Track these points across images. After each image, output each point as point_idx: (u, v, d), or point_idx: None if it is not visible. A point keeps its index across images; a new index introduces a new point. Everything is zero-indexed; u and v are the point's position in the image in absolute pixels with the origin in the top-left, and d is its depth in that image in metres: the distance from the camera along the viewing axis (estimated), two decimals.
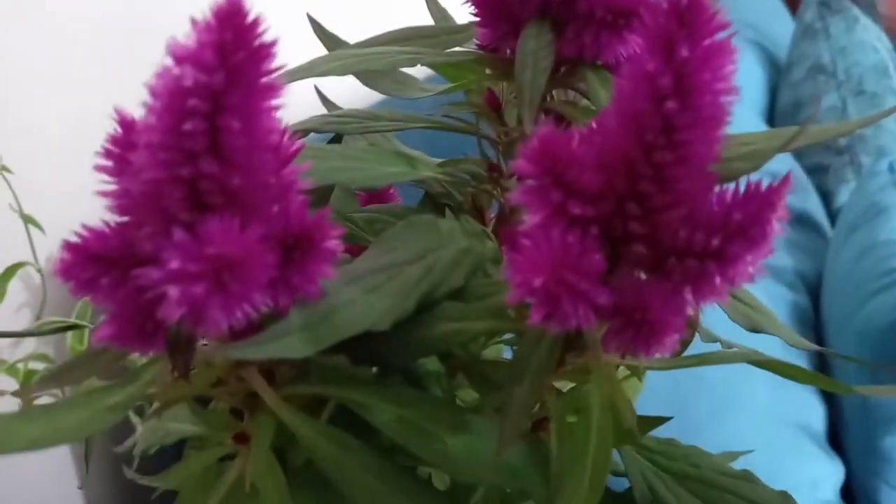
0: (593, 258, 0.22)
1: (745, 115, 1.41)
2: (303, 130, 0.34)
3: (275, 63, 0.20)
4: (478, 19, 0.31)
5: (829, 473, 0.87)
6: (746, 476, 0.32)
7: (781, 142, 0.29)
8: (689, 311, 0.24)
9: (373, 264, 0.27)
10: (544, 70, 0.29)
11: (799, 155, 1.47)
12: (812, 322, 1.12)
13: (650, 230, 0.23)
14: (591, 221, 0.23)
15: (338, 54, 0.31)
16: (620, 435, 0.28)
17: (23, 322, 0.62)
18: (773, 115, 1.60)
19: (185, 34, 0.20)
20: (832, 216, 1.35)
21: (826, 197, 1.41)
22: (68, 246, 0.22)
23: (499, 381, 0.29)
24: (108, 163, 0.23)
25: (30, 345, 0.63)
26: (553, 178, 0.22)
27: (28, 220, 0.60)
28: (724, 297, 0.23)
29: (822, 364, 0.99)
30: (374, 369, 0.32)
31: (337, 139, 0.34)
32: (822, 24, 1.59)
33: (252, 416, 0.26)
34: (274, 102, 0.21)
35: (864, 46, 1.55)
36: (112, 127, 0.24)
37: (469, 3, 0.31)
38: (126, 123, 0.23)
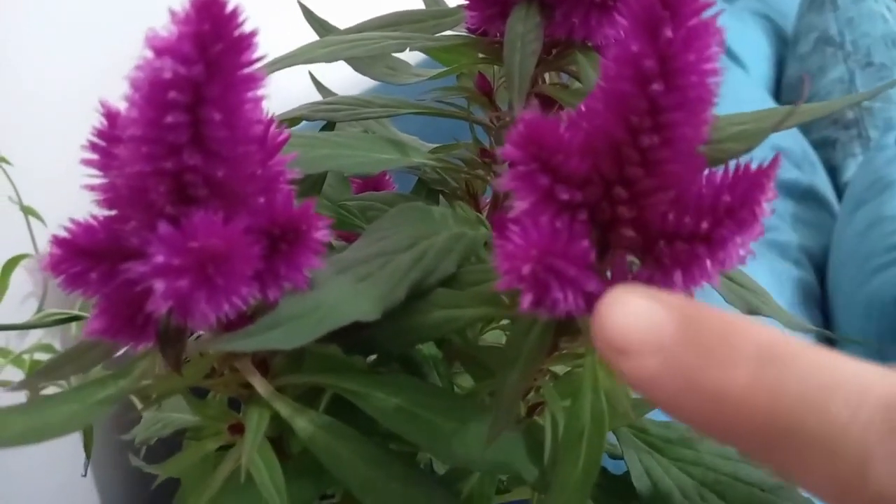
0: (582, 244, 0.22)
1: (751, 89, 1.39)
2: (293, 118, 0.33)
3: (256, 53, 0.20)
4: (466, 2, 0.31)
5: None
6: (744, 458, 0.32)
7: (772, 123, 0.29)
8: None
9: (363, 253, 0.27)
10: (533, 54, 0.29)
11: (806, 129, 1.45)
12: (818, 297, 1.12)
13: (639, 214, 0.22)
14: (579, 206, 0.22)
15: (325, 41, 0.31)
16: (615, 418, 0.28)
17: (28, 313, 0.62)
18: (779, 88, 1.58)
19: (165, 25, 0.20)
20: (839, 191, 1.34)
21: (833, 171, 1.40)
22: (57, 241, 0.22)
23: (493, 368, 0.29)
24: (94, 156, 0.23)
25: (35, 335, 0.64)
26: (540, 164, 0.22)
27: (28, 211, 0.60)
28: (715, 280, 0.23)
29: (827, 341, 0.99)
30: (371, 357, 0.32)
31: (329, 126, 0.34)
32: None
33: (246, 406, 0.26)
34: (256, 93, 0.21)
35: (872, 17, 1.53)
36: (98, 119, 0.24)
37: None
38: (111, 116, 0.23)
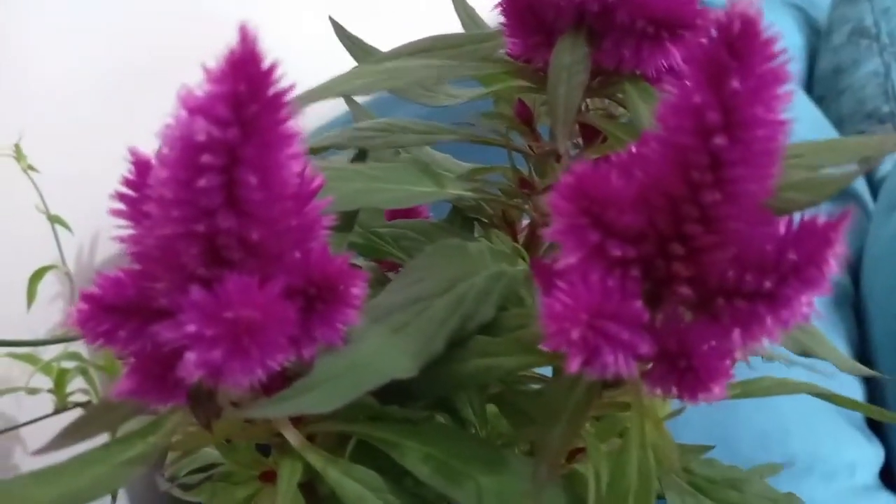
0: (635, 305, 0.21)
1: None
2: (326, 147, 0.32)
3: (290, 110, 0.19)
4: (507, 29, 0.29)
5: (868, 457, 0.85)
6: (790, 500, 0.31)
7: (838, 155, 0.27)
8: (738, 354, 0.22)
9: (400, 298, 0.25)
10: (579, 86, 0.27)
11: (839, 123, 1.42)
12: (852, 298, 1.09)
13: (696, 271, 0.21)
14: (631, 263, 0.21)
15: (359, 71, 0.29)
16: (662, 471, 0.27)
17: (55, 313, 0.62)
18: (811, 81, 1.54)
19: (197, 79, 0.19)
20: (874, 187, 1.30)
21: None
22: (84, 296, 0.21)
23: (533, 414, 0.28)
24: (122, 207, 0.22)
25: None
26: (590, 219, 0.21)
27: (55, 220, 0.59)
28: (776, 337, 0.22)
29: (862, 350, 0.96)
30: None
31: (362, 154, 0.33)
32: None
33: (278, 454, 0.25)
34: (293, 150, 0.20)
35: None
36: (127, 167, 0.23)
37: (499, 12, 0.29)
38: (141, 165, 0.22)
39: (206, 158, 0.18)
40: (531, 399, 0.29)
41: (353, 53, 0.38)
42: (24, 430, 0.64)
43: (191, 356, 0.18)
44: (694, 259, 0.21)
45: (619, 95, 0.30)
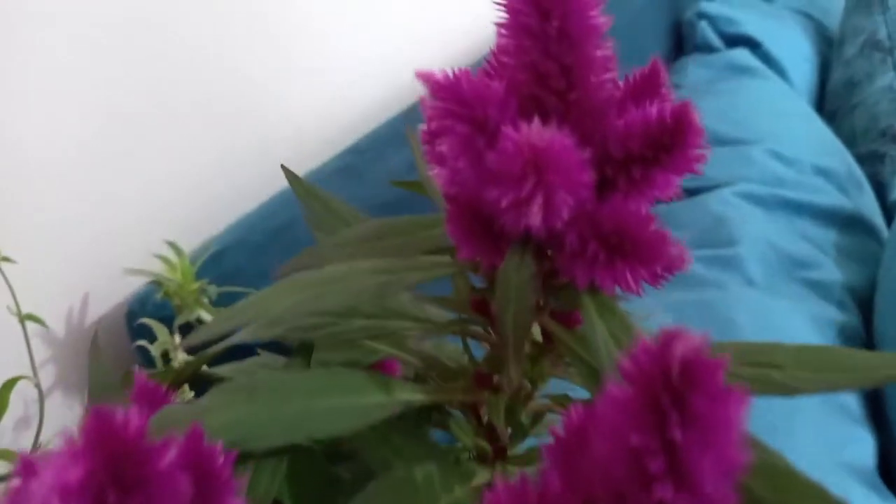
0: None
1: (791, 100, 1.31)
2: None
3: (172, 458, 0.17)
4: (453, 237, 0.27)
5: None
6: None
7: (824, 376, 0.25)
8: None
9: None
10: (527, 310, 0.25)
11: (853, 139, 1.37)
12: (863, 340, 1.05)
13: None
14: None
15: (292, 284, 0.27)
16: None
17: (30, 431, 0.60)
18: (823, 95, 1.50)
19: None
20: (888, 210, 1.26)
21: (881, 188, 1.31)
22: None
23: None
24: None
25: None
26: None
27: (29, 318, 0.57)
28: None
29: (874, 398, 0.93)
30: None
31: (306, 349, 0.30)
32: None
33: None
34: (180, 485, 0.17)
35: None
36: None
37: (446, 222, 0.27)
38: (28, 472, 0.20)
39: None
40: None
41: (302, 199, 0.35)
42: None
43: None
44: None
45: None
